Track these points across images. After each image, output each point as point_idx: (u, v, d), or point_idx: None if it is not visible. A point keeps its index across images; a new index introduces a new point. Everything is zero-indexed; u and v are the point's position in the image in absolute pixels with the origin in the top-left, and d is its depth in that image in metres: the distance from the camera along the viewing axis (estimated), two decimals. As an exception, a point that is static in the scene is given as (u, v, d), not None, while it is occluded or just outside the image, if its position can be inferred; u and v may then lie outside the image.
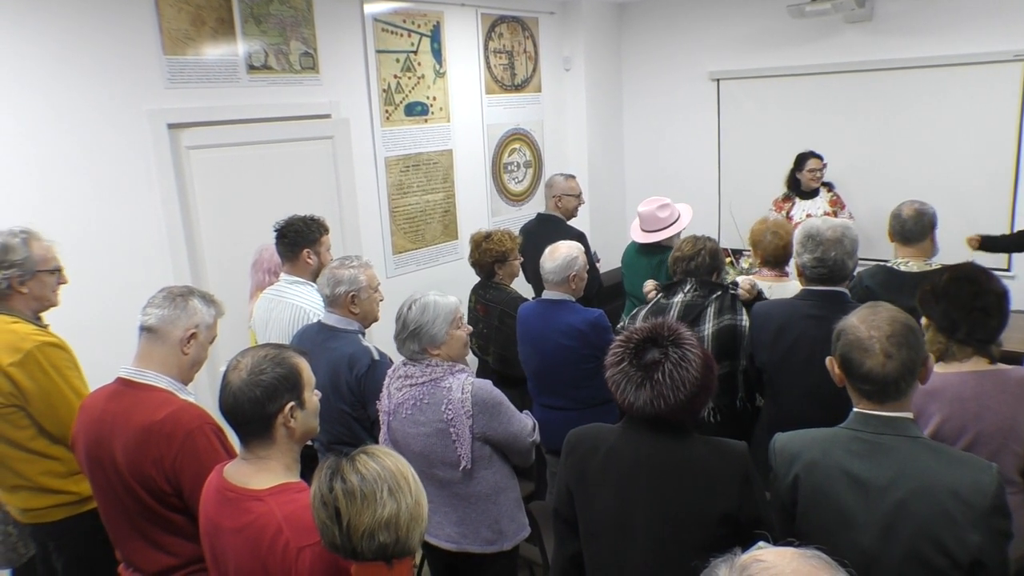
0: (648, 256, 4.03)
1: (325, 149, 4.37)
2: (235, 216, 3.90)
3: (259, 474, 1.75)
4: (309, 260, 3.22)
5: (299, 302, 3.12)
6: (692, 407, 1.84)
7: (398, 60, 4.77)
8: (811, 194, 5.24)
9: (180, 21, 3.62)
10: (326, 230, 3.31)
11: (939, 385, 2.25)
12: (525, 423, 2.57)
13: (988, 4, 4.90)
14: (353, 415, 2.74)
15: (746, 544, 1.79)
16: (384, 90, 4.70)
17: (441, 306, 2.49)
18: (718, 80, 6.07)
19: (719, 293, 3.05)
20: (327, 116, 4.36)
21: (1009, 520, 1.70)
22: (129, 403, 2.08)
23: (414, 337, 2.47)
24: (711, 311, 2.99)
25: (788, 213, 5.22)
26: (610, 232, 6.37)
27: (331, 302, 2.85)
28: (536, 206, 5.63)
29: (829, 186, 5.30)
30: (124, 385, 2.13)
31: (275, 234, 3.26)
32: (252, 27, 3.94)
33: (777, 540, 1.56)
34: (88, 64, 3.33)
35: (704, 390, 1.83)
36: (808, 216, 5.05)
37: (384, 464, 1.56)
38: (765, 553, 0.92)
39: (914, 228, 3.19)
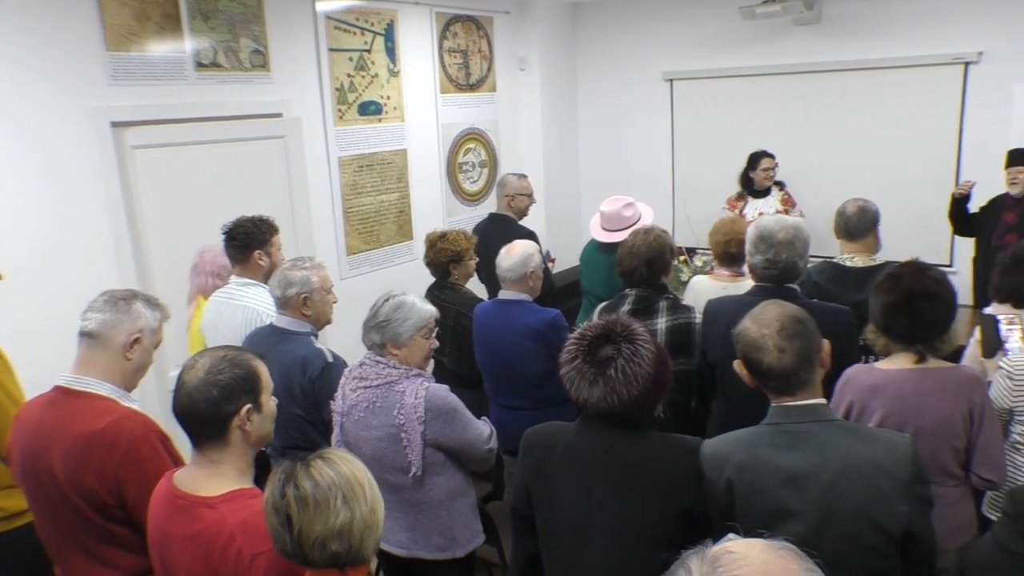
0: (608, 254, 4.02)
1: (277, 149, 4.29)
2: (183, 217, 3.81)
3: (211, 480, 1.70)
4: (260, 262, 3.16)
5: (252, 304, 3.06)
6: (646, 402, 1.84)
7: (351, 59, 4.71)
8: (763, 193, 5.31)
9: (123, 16, 3.51)
10: (276, 230, 3.25)
11: (882, 382, 2.30)
12: (481, 430, 2.53)
13: (930, 10, 5.03)
14: (307, 418, 2.69)
15: (700, 539, 1.83)
16: (337, 89, 4.64)
17: (416, 309, 2.46)
18: (671, 80, 6.12)
19: (668, 295, 3.04)
20: (278, 115, 4.28)
21: (929, 487, 1.78)
22: (68, 412, 2.00)
23: (379, 329, 2.44)
24: (664, 306, 2.98)
25: (741, 211, 5.29)
26: (565, 231, 6.39)
27: (283, 304, 2.80)
28: (492, 206, 5.61)
29: (781, 185, 5.38)
30: (62, 393, 2.05)
31: (223, 236, 3.19)
32: (200, 23, 3.85)
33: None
34: (27, 60, 3.21)
35: (658, 385, 1.84)
36: (761, 214, 5.12)
37: (340, 470, 1.53)
38: (735, 545, 0.92)
39: (858, 224, 3.26)
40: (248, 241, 3.14)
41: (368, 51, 4.82)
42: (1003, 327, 2.75)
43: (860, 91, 5.35)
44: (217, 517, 1.64)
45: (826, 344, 1.86)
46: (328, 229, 4.68)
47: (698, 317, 2.98)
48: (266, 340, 2.73)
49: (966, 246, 4.76)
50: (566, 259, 5.98)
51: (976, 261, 4.50)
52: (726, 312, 2.79)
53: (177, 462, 1.98)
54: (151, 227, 3.72)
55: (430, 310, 2.51)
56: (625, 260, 3.02)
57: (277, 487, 1.51)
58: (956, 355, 2.70)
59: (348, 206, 4.80)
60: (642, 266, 2.98)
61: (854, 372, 2.38)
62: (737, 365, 1.91)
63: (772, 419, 1.84)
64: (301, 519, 1.47)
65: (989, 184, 4.56)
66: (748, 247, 2.78)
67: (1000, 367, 2.47)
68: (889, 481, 1.71)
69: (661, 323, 2.95)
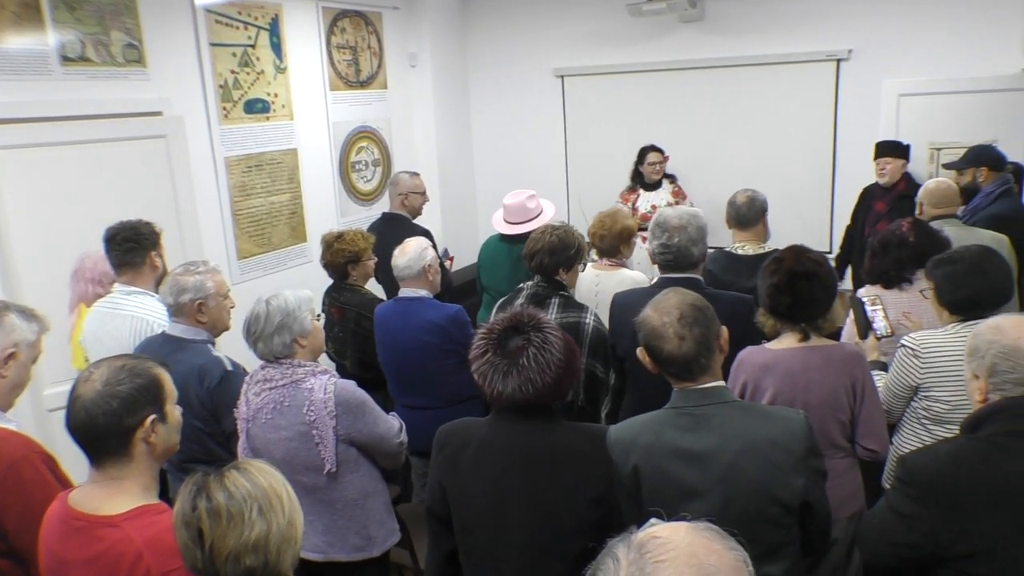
0: (512, 246, 4.03)
1: (157, 149, 4.07)
2: (55, 223, 3.56)
3: (113, 498, 1.60)
4: (156, 264, 3.00)
5: (140, 313, 2.89)
6: (559, 390, 1.87)
7: (235, 54, 4.53)
8: (654, 186, 5.47)
9: (-22, 8, 3.25)
10: (159, 234, 3.09)
11: (772, 360, 2.42)
12: (392, 424, 2.52)
13: (804, 9, 5.29)
14: (206, 431, 2.57)
15: (615, 525, 1.86)
16: (221, 86, 4.45)
17: (302, 297, 2.41)
18: (562, 76, 6.20)
19: (563, 292, 3.06)
20: (158, 113, 4.07)
21: (822, 460, 1.87)
22: (-64, 436, 1.84)
23: (283, 329, 2.35)
24: (557, 302, 2.99)
25: (634, 204, 5.43)
26: (462, 229, 6.38)
27: (176, 311, 2.66)
28: (386, 205, 5.52)
29: (672, 178, 5.55)
30: None
31: (105, 240, 2.99)
32: (64, 14, 3.60)
33: (627, 527, 1.63)
34: None
35: (568, 372, 1.87)
36: (653, 207, 5.27)
37: (256, 481, 1.46)
38: (659, 530, 0.93)
39: (748, 214, 3.40)
40: (138, 244, 2.96)
41: (252, 47, 4.65)
42: (868, 308, 2.92)
43: (743, 86, 5.58)
44: (121, 536, 1.54)
45: (724, 330, 1.93)
46: (217, 233, 4.49)
47: (589, 317, 2.98)
48: (158, 350, 2.58)
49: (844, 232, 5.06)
50: (463, 257, 5.96)
51: (853, 247, 4.78)
52: (634, 304, 2.83)
53: (64, 484, 1.85)
54: (17, 234, 3.47)
55: (307, 291, 2.49)
56: (532, 245, 3.05)
57: (187, 500, 1.43)
58: (835, 337, 2.85)
59: (237, 208, 4.62)
60: (544, 254, 3.00)
61: (746, 353, 2.48)
62: (640, 352, 1.95)
63: (674, 403, 1.89)
64: (213, 533, 1.40)
65: (862, 174, 4.86)
66: (648, 235, 2.86)
67: (903, 345, 2.58)
68: (786, 456, 1.79)
69: (551, 319, 2.96)
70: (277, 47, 4.82)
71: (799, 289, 2.36)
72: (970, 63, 4.83)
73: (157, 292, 2.88)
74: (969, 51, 4.85)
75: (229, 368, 2.59)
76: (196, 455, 2.55)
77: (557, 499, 1.85)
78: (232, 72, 4.52)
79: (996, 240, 3.33)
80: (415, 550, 2.95)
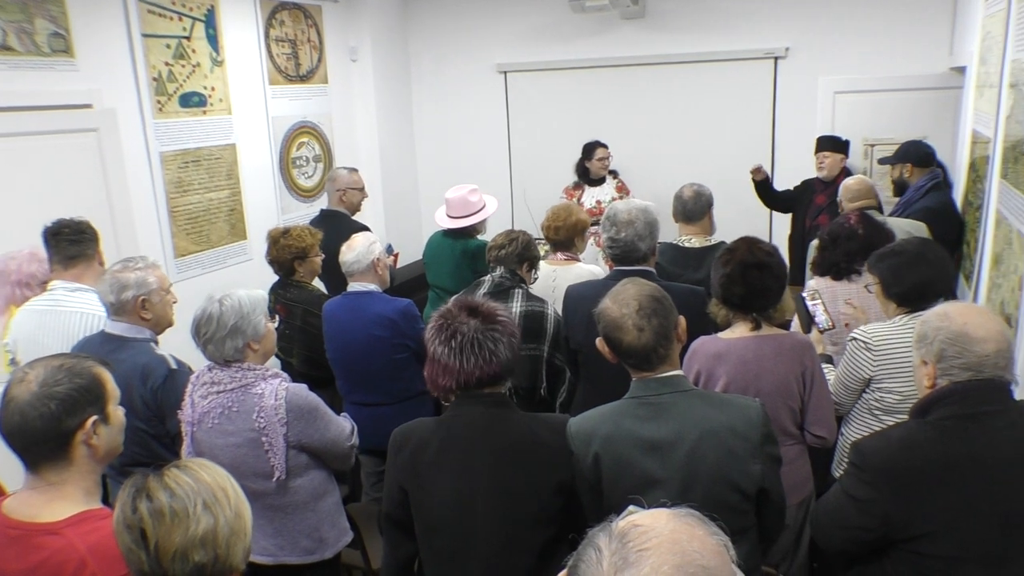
0: (455, 241, 4.00)
1: (88, 143, 3.90)
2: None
3: (52, 504, 1.52)
4: (103, 261, 2.88)
5: (88, 309, 2.77)
6: (508, 370, 1.89)
7: (169, 46, 4.38)
8: (599, 181, 5.50)
9: None
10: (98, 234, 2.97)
11: (724, 349, 2.45)
12: (343, 427, 2.46)
13: (744, 8, 5.41)
14: (150, 432, 2.47)
15: (578, 512, 1.87)
16: (155, 79, 4.29)
17: (255, 298, 2.33)
18: (505, 72, 6.19)
19: (523, 284, 3.13)
20: (88, 106, 3.90)
21: (777, 446, 1.91)
22: None
23: (235, 333, 2.26)
24: (520, 293, 3.05)
25: (579, 200, 5.44)
26: (405, 225, 6.32)
27: (118, 310, 2.54)
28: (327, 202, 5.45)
29: (615, 173, 5.59)
30: None
31: (48, 236, 2.86)
32: (-15, 2, 3.42)
33: (588, 519, 1.63)
34: None
35: (516, 352, 1.90)
36: (598, 202, 5.31)
37: (199, 477, 1.41)
38: (640, 518, 0.92)
39: (694, 208, 3.45)
40: (84, 240, 2.84)
41: (188, 38, 4.50)
42: (808, 303, 2.98)
43: (684, 83, 5.67)
44: (63, 544, 1.47)
45: (682, 320, 1.95)
46: (153, 230, 4.33)
47: (550, 308, 3.06)
48: (98, 349, 2.46)
49: (783, 226, 5.17)
50: (408, 254, 5.90)
51: (791, 239, 4.90)
52: (588, 297, 2.86)
53: None
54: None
55: (261, 292, 2.42)
56: (501, 240, 3.15)
57: (127, 502, 1.36)
58: (785, 328, 2.90)
59: (174, 205, 4.46)
60: (519, 245, 3.12)
61: (699, 343, 2.51)
62: (599, 343, 1.95)
63: (634, 393, 1.90)
64: (157, 532, 1.34)
65: (800, 169, 4.98)
66: (600, 227, 2.90)
67: (855, 338, 2.62)
68: (743, 443, 1.82)
69: (516, 307, 3.00)
70: (213, 39, 4.68)
71: (751, 279, 2.40)
72: (901, 62, 5.01)
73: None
74: (900, 51, 5.03)
75: (174, 367, 2.50)
76: (139, 458, 2.45)
77: (522, 489, 1.84)
78: (166, 64, 4.36)
79: (915, 229, 3.45)
80: (367, 550, 2.90)
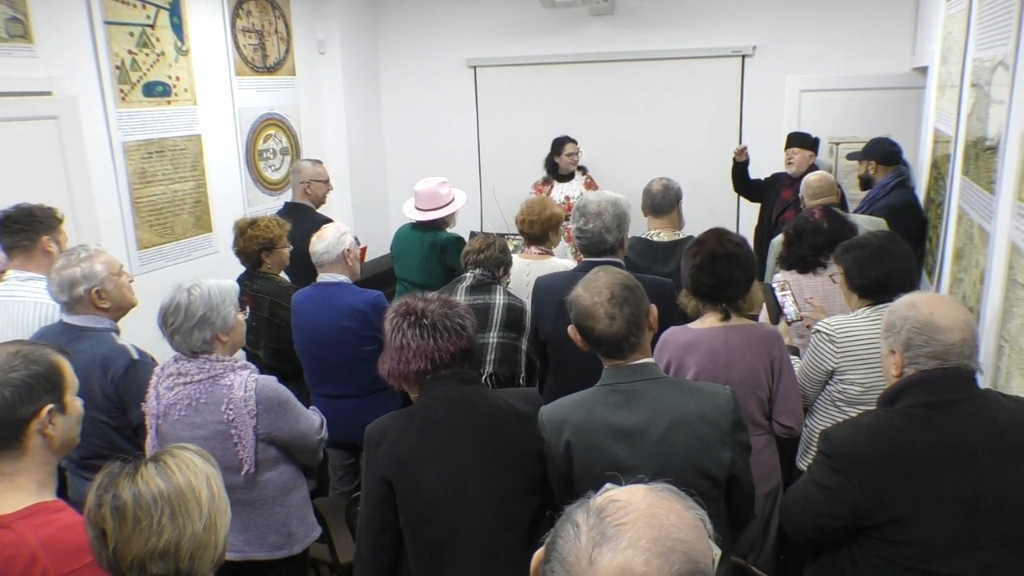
0: (424, 234, 3.98)
1: (48, 131, 3.81)
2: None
3: (3, 496, 1.48)
4: (50, 248, 2.81)
5: (40, 299, 2.69)
6: (472, 348, 1.95)
7: (132, 34, 4.29)
8: (568, 177, 5.50)
9: None
10: (61, 220, 2.90)
11: (694, 339, 2.47)
12: (313, 420, 2.43)
13: (712, 6, 5.45)
14: (111, 424, 2.42)
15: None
16: (117, 67, 4.21)
17: (225, 288, 2.29)
18: (475, 67, 6.17)
19: (502, 284, 3.20)
20: (47, 93, 3.81)
21: (747, 434, 1.93)
22: None
23: (204, 324, 2.22)
24: (499, 290, 3.12)
25: (548, 195, 5.44)
26: (373, 219, 6.27)
27: (72, 306, 2.48)
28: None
29: (584, 169, 5.60)
30: None
31: None
32: (-59, -16, 3.32)
33: (559, 507, 1.64)
34: None
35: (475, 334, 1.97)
36: (567, 198, 5.32)
37: (173, 480, 1.34)
38: (617, 493, 0.93)
39: (663, 201, 3.47)
40: (29, 227, 2.76)
41: (152, 26, 4.41)
42: (778, 294, 3.02)
43: (652, 80, 5.70)
44: (13, 538, 1.42)
45: (653, 308, 1.96)
46: (115, 221, 4.24)
47: (529, 307, 3.12)
48: (57, 340, 2.38)
49: (749, 220, 5.23)
50: (375, 248, 5.85)
51: (758, 231, 4.95)
52: (556, 288, 2.86)
53: None
54: None
55: (231, 282, 2.39)
56: (479, 244, 3.23)
57: (95, 493, 1.33)
58: (754, 319, 2.94)
59: (137, 196, 4.38)
60: (496, 249, 3.20)
61: (669, 333, 2.52)
62: (571, 331, 1.95)
63: (605, 380, 1.91)
64: (117, 536, 1.30)
65: (766, 165, 5.04)
66: (571, 218, 2.93)
67: (818, 330, 2.65)
68: (714, 430, 1.83)
69: (499, 299, 3.07)
70: (178, 28, 4.60)
71: (720, 270, 2.42)
72: (865, 62, 5.10)
73: None
74: (864, 51, 5.11)
75: (135, 357, 2.44)
76: (100, 450, 2.40)
77: (508, 458, 1.87)
78: (130, 53, 4.28)
79: (873, 225, 3.51)
80: (334, 544, 2.87)
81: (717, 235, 2.51)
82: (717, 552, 0.92)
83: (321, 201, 4.48)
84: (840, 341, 2.57)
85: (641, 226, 3.53)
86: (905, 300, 1.89)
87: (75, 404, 1.62)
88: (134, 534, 1.29)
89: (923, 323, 1.79)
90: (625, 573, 0.83)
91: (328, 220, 4.04)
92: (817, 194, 3.81)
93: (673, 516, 0.89)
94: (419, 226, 3.97)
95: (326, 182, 4.51)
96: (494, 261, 3.17)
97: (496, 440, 1.86)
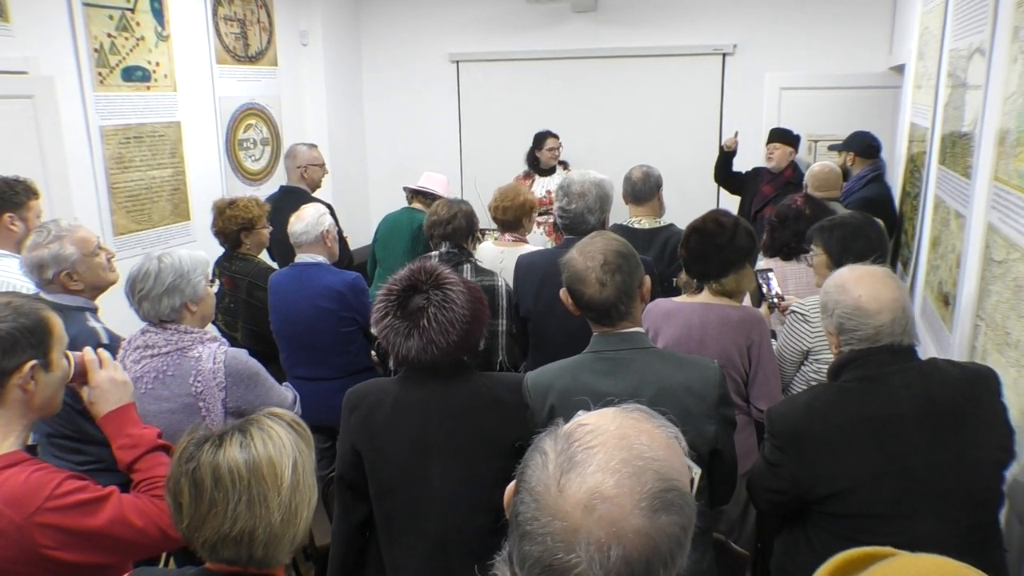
0: (414, 215, 4.01)
1: (23, 110, 3.75)
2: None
3: None
4: (13, 227, 2.75)
5: (5, 277, 2.63)
6: (467, 345, 1.83)
7: (112, 17, 4.24)
8: (549, 171, 5.51)
9: None
10: (35, 194, 2.84)
11: (674, 310, 2.51)
12: (285, 395, 2.40)
13: (693, 5, 5.52)
14: (76, 408, 2.35)
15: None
16: (96, 50, 4.16)
17: (197, 258, 2.25)
18: (457, 62, 6.17)
19: (472, 258, 3.12)
20: (23, 72, 3.75)
21: (732, 409, 1.93)
22: None
23: (173, 291, 2.18)
24: (469, 267, 3.04)
25: (529, 190, 5.45)
26: (353, 212, 6.24)
27: (46, 287, 2.42)
28: (274, 186, 5.32)
29: (565, 164, 5.61)
30: None
31: None
32: (-85, -42, 3.26)
33: None
34: None
35: (476, 323, 1.84)
36: (548, 192, 5.32)
37: (256, 456, 1.26)
38: (586, 417, 0.90)
39: (643, 188, 3.48)
40: None
41: (132, 10, 4.37)
42: (760, 280, 3.04)
43: (634, 76, 5.74)
44: None
45: (647, 279, 1.95)
46: (91, 206, 4.18)
47: (500, 280, 3.05)
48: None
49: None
50: (355, 240, 5.82)
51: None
52: (537, 265, 2.86)
53: None
54: None
55: (202, 253, 2.35)
56: (441, 215, 3.09)
57: (177, 460, 1.28)
58: (739, 303, 2.95)
59: (114, 181, 4.32)
60: (462, 217, 3.08)
61: (655, 303, 2.55)
62: (562, 294, 1.94)
63: (593, 347, 1.90)
64: (191, 512, 1.24)
65: (746, 162, 5.07)
66: (554, 198, 2.93)
67: (793, 311, 2.67)
68: (699, 403, 1.82)
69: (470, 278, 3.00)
70: (159, 13, 4.56)
71: (692, 244, 2.48)
72: (844, 61, 5.17)
73: (20, 254, 2.62)
74: (843, 50, 5.19)
75: (105, 341, 2.36)
76: (64, 431, 2.34)
77: (478, 449, 1.82)
78: (109, 36, 4.23)
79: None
80: (311, 528, 2.83)
81: (710, 214, 2.56)
82: (696, 471, 0.91)
83: (317, 185, 4.49)
84: (814, 321, 2.59)
85: (623, 214, 3.53)
86: (835, 279, 1.88)
87: (62, 364, 1.58)
88: (208, 517, 1.24)
89: (852, 308, 1.80)
90: (595, 497, 0.80)
91: (326, 204, 4.03)
92: (822, 186, 3.84)
93: (644, 436, 0.87)
94: (411, 209, 3.98)
95: (322, 166, 4.53)
96: (463, 232, 3.09)
97: (469, 428, 1.82)
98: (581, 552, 0.79)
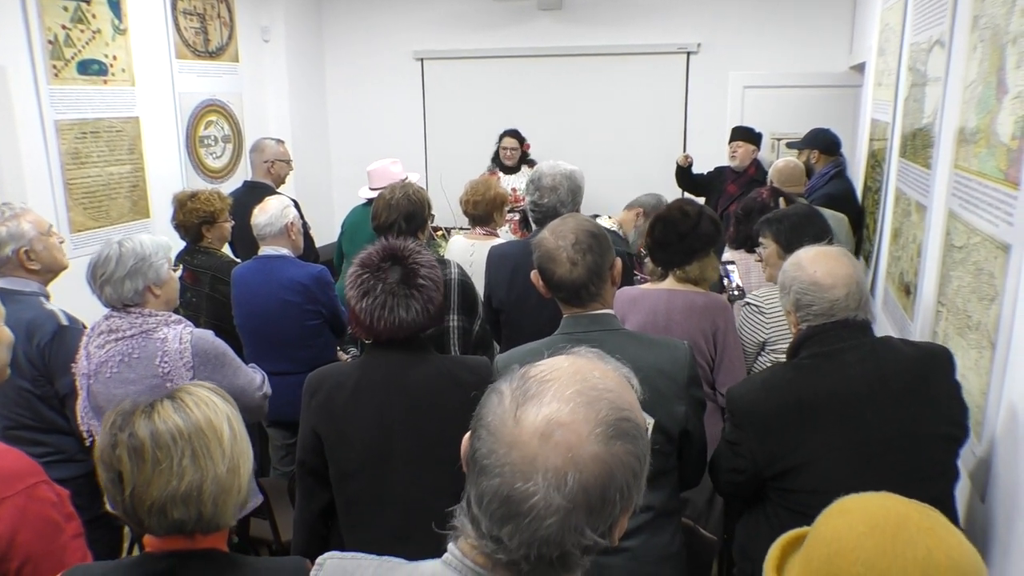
0: None
1: (-26, 102, 3.64)
2: None
3: None
4: None
5: None
6: (441, 313, 1.88)
7: (66, 8, 4.14)
8: (514, 169, 5.51)
9: None
10: None
11: (640, 296, 2.54)
12: (252, 376, 2.37)
13: (658, 3, 5.56)
14: (36, 393, 2.29)
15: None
16: (50, 41, 4.05)
17: (159, 243, 2.23)
18: (422, 59, 6.14)
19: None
20: (-26, 63, 3.64)
21: (702, 389, 1.95)
22: None
23: (135, 274, 2.15)
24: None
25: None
26: (317, 210, 6.15)
27: (2, 269, 2.35)
28: (237, 183, 5.24)
29: (532, 162, 5.61)
30: None
31: None
32: None
33: None
34: None
35: (440, 293, 1.89)
36: (513, 190, 5.31)
37: (192, 417, 1.26)
38: (542, 362, 0.92)
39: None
40: None
41: (87, 2, 4.26)
42: (722, 272, 3.06)
43: (599, 75, 5.76)
44: None
45: (618, 261, 1.94)
46: (46, 202, 4.06)
47: (455, 270, 2.86)
48: (-20, 302, 2.27)
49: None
50: (319, 238, 5.75)
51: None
52: (509, 255, 2.84)
53: None
54: None
55: (164, 238, 2.33)
56: (383, 213, 2.81)
57: (107, 433, 1.24)
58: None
59: (70, 177, 4.21)
60: (401, 220, 2.81)
61: (622, 290, 2.56)
62: (533, 275, 1.93)
63: (563, 329, 1.89)
64: (135, 478, 1.21)
65: (709, 159, 5.13)
66: (524, 191, 2.91)
67: (748, 303, 2.70)
68: (669, 383, 1.81)
69: (454, 272, 2.95)
70: (116, 6, 4.46)
71: (657, 231, 2.51)
72: (805, 60, 5.25)
73: None
74: (804, 49, 5.27)
75: (64, 323, 2.31)
76: (25, 420, 2.28)
77: (441, 430, 1.80)
78: (63, 27, 4.12)
79: (836, 219, 3.57)
80: (276, 523, 2.78)
81: (674, 203, 2.62)
82: (650, 421, 0.92)
83: (282, 181, 4.44)
84: (769, 312, 2.62)
85: (594, 205, 3.53)
86: (793, 259, 1.94)
87: (4, 331, 1.55)
88: (154, 476, 1.21)
89: (808, 283, 1.85)
90: (552, 424, 0.82)
91: (292, 201, 3.96)
92: (787, 182, 3.89)
93: (598, 372, 0.89)
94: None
95: (288, 162, 4.48)
96: (408, 231, 2.78)
97: (430, 409, 1.81)
98: (539, 479, 0.80)
